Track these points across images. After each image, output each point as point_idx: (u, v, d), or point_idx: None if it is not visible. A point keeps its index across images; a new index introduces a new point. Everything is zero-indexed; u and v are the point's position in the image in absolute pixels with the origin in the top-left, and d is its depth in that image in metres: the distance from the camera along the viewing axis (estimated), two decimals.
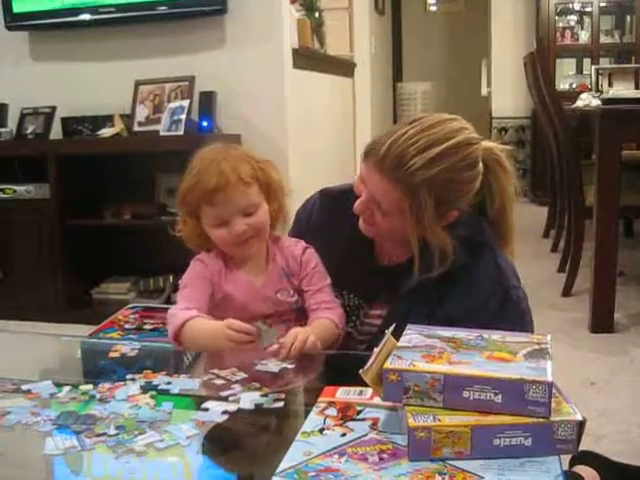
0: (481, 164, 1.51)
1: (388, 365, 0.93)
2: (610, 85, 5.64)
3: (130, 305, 2.42)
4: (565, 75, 6.93)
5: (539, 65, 4.15)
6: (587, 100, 4.40)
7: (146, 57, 3.68)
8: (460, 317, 1.41)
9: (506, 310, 1.50)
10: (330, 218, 1.72)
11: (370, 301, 1.66)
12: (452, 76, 9.06)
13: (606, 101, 3.86)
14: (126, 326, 2.19)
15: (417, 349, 0.99)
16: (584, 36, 6.70)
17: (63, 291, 3.55)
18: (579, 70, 6.98)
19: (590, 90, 5.55)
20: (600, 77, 5.87)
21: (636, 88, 5.66)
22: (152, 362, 1.49)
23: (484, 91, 7.23)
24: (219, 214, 1.57)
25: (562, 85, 6.73)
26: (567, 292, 3.69)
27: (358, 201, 1.54)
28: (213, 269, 1.65)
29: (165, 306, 2.87)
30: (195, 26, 3.60)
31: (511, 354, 0.97)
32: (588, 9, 6.62)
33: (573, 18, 6.83)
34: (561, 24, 6.72)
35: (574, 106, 4.27)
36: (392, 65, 8.62)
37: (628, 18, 6.78)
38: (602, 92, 5.09)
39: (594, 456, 1.86)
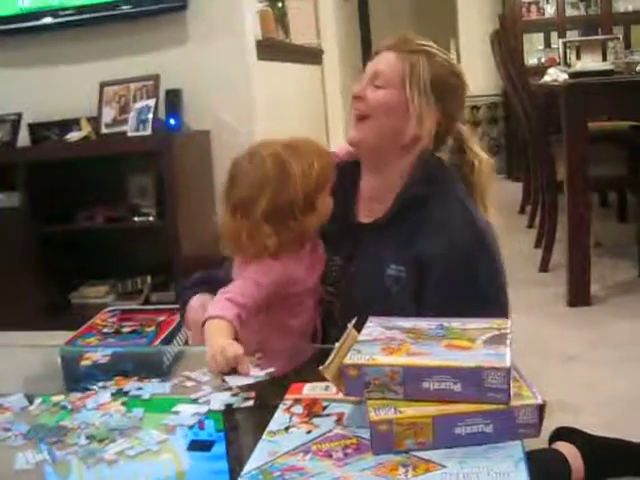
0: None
1: (347, 360, 0.94)
2: (578, 58, 5.65)
3: (108, 309, 2.41)
4: (534, 50, 6.93)
5: (504, 43, 4.16)
6: (555, 75, 4.40)
7: (110, 58, 3.67)
8: (429, 258, 1.48)
9: (483, 254, 1.52)
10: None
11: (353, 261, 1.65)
12: None
13: (573, 75, 3.87)
14: (104, 330, 2.17)
15: (377, 342, 0.99)
16: (550, 10, 6.70)
17: (41, 298, 3.54)
18: (547, 44, 6.98)
19: (559, 64, 5.57)
20: (568, 50, 5.88)
21: (604, 59, 5.67)
22: (132, 365, 1.49)
23: None
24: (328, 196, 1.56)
25: (531, 60, 6.74)
26: (544, 267, 3.72)
27: (358, 85, 1.62)
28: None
29: (144, 307, 2.88)
30: (157, 24, 3.58)
31: (470, 341, 0.98)
32: None
33: None
34: None
35: (542, 81, 4.28)
36: (361, 49, 8.60)
37: None
38: (570, 65, 5.10)
39: (573, 432, 1.88)
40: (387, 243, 1.56)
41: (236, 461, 1.02)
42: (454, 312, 1.22)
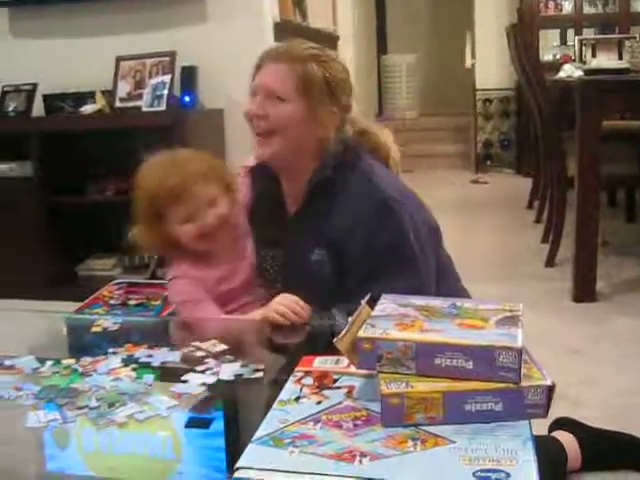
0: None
1: (361, 334, 0.95)
2: (594, 56, 5.64)
3: (115, 281, 2.42)
4: (549, 46, 6.92)
5: (520, 37, 4.16)
6: (570, 71, 4.40)
7: (126, 33, 3.66)
8: (340, 237, 1.55)
9: (385, 222, 1.55)
10: (252, 189, 1.80)
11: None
12: (436, 48, 9.05)
13: (588, 72, 3.86)
14: (111, 302, 2.19)
15: (390, 318, 1.00)
16: (568, 6, 6.69)
17: (48, 269, 3.55)
18: (563, 41, 6.97)
19: (574, 61, 5.56)
20: (584, 48, 5.87)
21: (620, 58, 5.66)
22: (138, 335, 1.51)
23: (468, 63, 7.22)
24: (186, 209, 1.63)
25: (546, 56, 6.72)
26: (550, 262, 3.72)
27: (254, 104, 1.64)
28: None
29: (150, 281, 2.89)
30: (176, 1, 3.58)
31: (483, 321, 0.99)
32: None
33: None
34: None
35: (557, 77, 4.28)
36: (376, 37, 8.59)
37: None
38: (585, 63, 5.10)
39: (572, 422, 1.91)
40: (307, 231, 1.62)
41: (236, 436, 1.04)
42: (372, 280, 1.44)
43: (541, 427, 1.89)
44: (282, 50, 1.66)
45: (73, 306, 2.14)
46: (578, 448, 1.82)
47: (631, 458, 1.85)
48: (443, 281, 1.69)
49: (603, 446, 1.85)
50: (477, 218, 5.07)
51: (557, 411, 2.01)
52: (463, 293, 1.80)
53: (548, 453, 1.78)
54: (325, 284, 1.58)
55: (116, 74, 3.60)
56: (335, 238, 1.56)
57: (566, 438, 1.84)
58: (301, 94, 1.59)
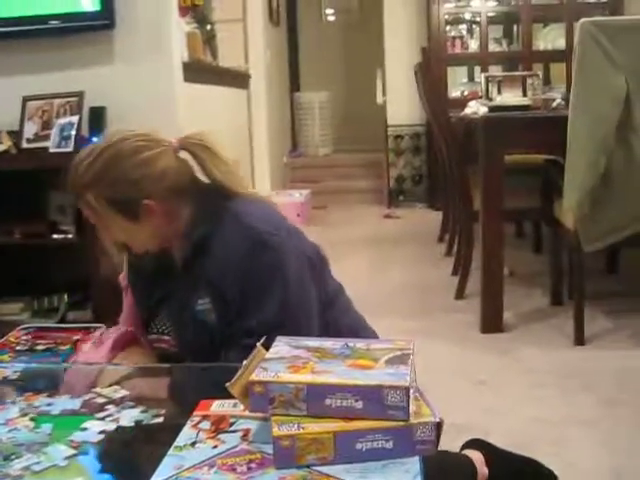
0: (145, 154, 1.59)
1: (253, 377, 0.97)
2: (499, 92, 5.82)
3: (23, 326, 2.36)
4: (457, 82, 7.12)
5: (427, 74, 4.27)
6: (475, 107, 4.52)
7: (34, 72, 3.62)
8: (219, 282, 1.58)
9: (259, 256, 1.57)
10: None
11: None
12: (349, 85, 9.20)
13: (492, 108, 3.99)
14: (17, 348, 2.14)
15: (283, 360, 1.02)
16: (474, 45, 6.89)
17: None
18: (471, 78, 7.18)
19: (481, 97, 5.72)
20: (490, 84, 6.05)
21: (524, 95, 5.85)
22: (41, 382, 1.49)
23: (380, 99, 7.36)
24: None
25: (454, 92, 6.91)
26: (460, 294, 3.81)
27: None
28: None
29: (60, 325, 2.83)
30: (83, 41, 3.56)
31: (373, 361, 1.02)
32: (477, 19, 6.81)
33: (463, 27, 7.02)
34: (453, 33, 6.89)
35: (462, 114, 4.40)
36: (289, 75, 8.69)
37: (515, 27, 7.03)
38: (491, 99, 5.25)
39: (481, 443, 1.97)
40: (190, 284, 1.64)
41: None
42: (247, 313, 1.52)
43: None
44: (70, 183, 1.65)
45: None
46: (485, 466, 1.87)
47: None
48: (331, 309, 1.72)
49: (509, 466, 1.93)
50: (389, 252, 5.15)
51: (465, 440, 2.06)
52: (354, 321, 1.84)
53: (458, 469, 1.84)
54: (213, 331, 1.61)
55: (23, 114, 3.56)
56: (215, 284, 1.59)
57: (475, 456, 1.90)
58: (104, 225, 1.66)
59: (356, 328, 1.79)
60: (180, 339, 1.71)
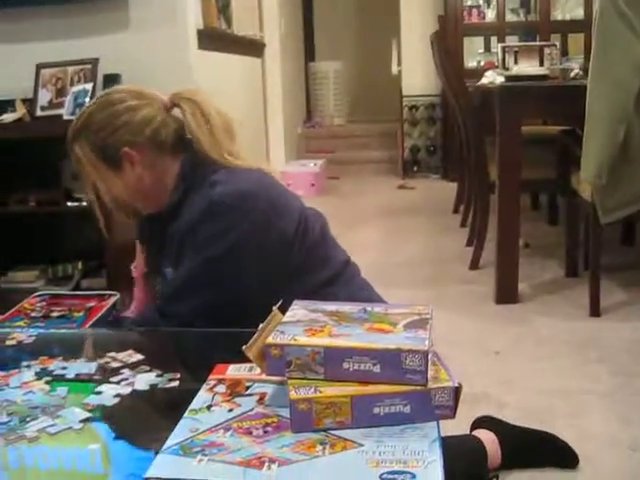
0: (129, 102, 1.62)
1: (270, 340, 0.96)
2: (516, 63, 5.76)
3: (37, 293, 2.37)
4: (473, 53, 7.05)
5: (443, 44, 4.23)
6: (492, 77, 4.48)
7: (48, 39, 3.61)
8: (179, 246, 1.59)
9: (204, 222, 1.56)
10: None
11: None
12: (364, 55, 9.13)
13: (509, 78, 3.95)
14: (32, 314, 2.14)
15: (300, 324, 1.01)
16: (491, 14, 6.82)
17: None
18: (487, 48, 7.10)
19: (497, 68, 5.67)
20: (507, 55, 5.99)
21: (541, 65, 5.79)
22: (55, 348, 1.48)
23: (395, 70, 7.31)
24: None
25: (470, 63, 6.85)
26: (474, 266, 3.79)
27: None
28: None
29: (74, 293, 2.84)
30: (98, 7, 3.54)
31: (391, 325, 1.01)
32: None
33: None
34: (469, 2, 6.82)
35: (479, 83, 4.36)
36: (304, 44, 8.63)
37: None
38: (508, 69, 5.20)
39: (492, 420, 1.95)
40: (161, 247, 1.68)
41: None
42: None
43: (463, 427, 1.93)
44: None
45: None
46: (498, 445, 1.86)
47: (549, 454, 1.90)
48: (331, 286, 1.67)
49: (522, 443, 1.91)
50: (403, 223, 5.13)
51: (479, 411, 2.06)
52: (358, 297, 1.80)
53: (469, 452, 1.82)
54: None
55: (37, 82, 3.54)
56: (177, 251, 1.61)
57: (486, 436, 1.88)
58: (92, 179, 1.68)
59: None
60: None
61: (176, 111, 1.67)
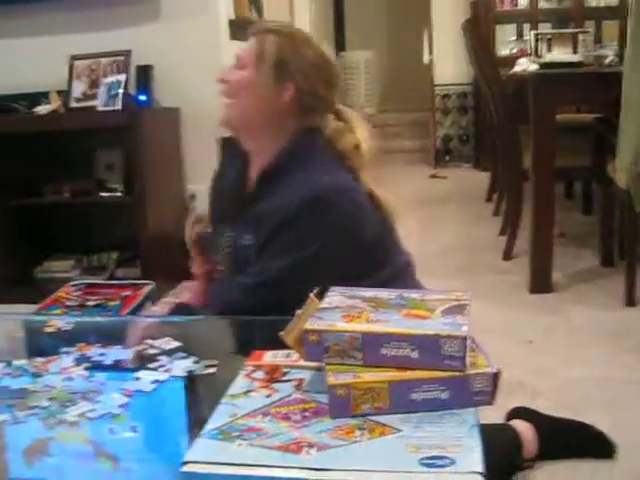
0: (325, 56, 1.70)
1: (308, 326, 0.96)
2: (549, 50, 5.70)
3: (73, 282, 2.40)
4: (506, 40, 6.97)
5: (475, 32, 4.19)
6: (525, 65, 4.44)
7: (81, 31, 3.64)
8: (265, 214, 1.58)
9: (305, 216, 1.55)
10: (225, 161, 1.87)
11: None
12: (394, 44, 9.09)
13: (542, 65, 3.91)
14: (68, 303, 2.17)
15: (338, 310, 1.01)
16: (523, 1, 6.74)
17: (6, 271, 3.52)
18: (519, 35, 7.03)
19: (530, 55, 5.61)
20: (539, 42, 5.92)
21: (574, 52, 5.73)
22: (93, 335, 1.50)
23: (426, 59, 7.26)
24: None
25: (503, 51, 6.77)
26: (508, 255, 3.76)
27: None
28: None
29: (109, 282, 2.87)
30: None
31: (429, 311, 1.00)
32: None
33: None
34: None
35: (512, 71, 4.32)
36: (334, 34, 8.61)
37: None
38: (541, 57, 5.14)
39: (527, 411, 1.94)
40: (243, 216, 1.66)
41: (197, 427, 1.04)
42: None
43: (497, 417, 1.92)
44: (256, 24, 1.76)
45: (31, 308, 2.12)
46: (534, 436, 1.85)
47: (585, 444, 1.89)
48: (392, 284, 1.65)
49: (558, 433, 1.89)
50: (436, 212, 5.11)
51: (513, 401, 2.05)
52: None
53: (504, 441, 1.82)
54: (248, 267, 1.62)
55: (70, 74, 3.58)
56: (264, 224, 1.59)
57: (522, 427, 1.87)
58: (254, 63, 1.64)
59: None
60: (228, 269, 1.72)
61: None
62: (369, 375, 0.92)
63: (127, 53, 3.51)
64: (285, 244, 1.56)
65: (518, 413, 1.94)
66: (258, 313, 1.40)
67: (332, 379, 0.92)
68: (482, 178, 5.69)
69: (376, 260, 1.66)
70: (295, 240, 1.55)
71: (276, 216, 1.56)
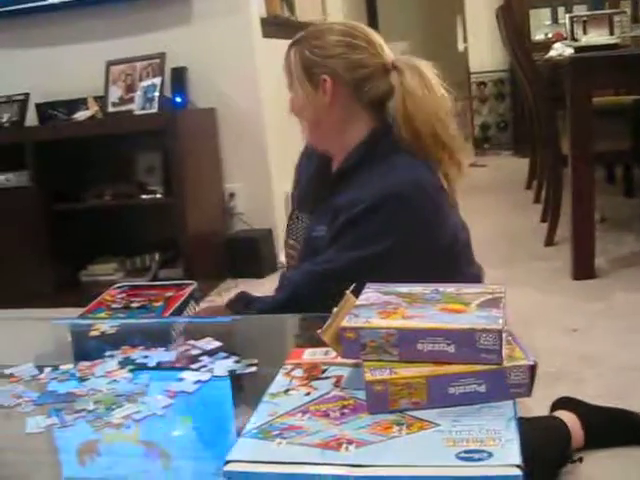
0: (353, 41, 1.66)
1: (344, 323, 0.97)
2: (585, 33, 5.62)
3: (117, 285, 2.43)
4: (541, 25, 6.89)
5: (509, 18, 4.16)
6: (560, 49, 4.39)
7: (115, 37, 3.69)
8: (341, 206, 1.58)
9: (380, 212, 1.54)
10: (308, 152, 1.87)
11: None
12: (429, 34, 9.03)
13: (578, 49, 3.86)
14: (113, 306, 2.20)
15: (374, 306, 1.02)
16: None
17: (51, 276, 3.59)
18: (554, 19, 6.94)
19: (565, 39, 5.55)
20: (575, 25, 5.85)
21: (611, 34, 5.65)
22: (137, 337, 1.53)
23: (461, 47, 7.21)
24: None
25: (538, 35, 6.71)
26: (549, 241, 3.74)
27: None
28: None
29: (152, 283, 2.90)
30: (162, 2, 3.60)
31: (464, 305, 1.01)
32: None
33: None
34: None
35: (547, 56, 4.28)
36: (367, 25, 8.57)
37: None
38: (577, 40, 5.08)
39: (572, 401, 1.92)
40: (324, 207, 1.66)
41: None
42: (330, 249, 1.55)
43: (542, 407, 1.91)
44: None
45: (77, 312, 2.16)
46: (580, 426, 1.83)
47: (633, 434, 1.87)
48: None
49: (603, 422, 1.87)
50: (476, 201, 5.07)
51: (559, 389, 2.03)
52: None
53: (552, 432, 1.80)
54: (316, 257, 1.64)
55: (107, 79, 3.63)
56: (338, 216, 1.59)
57: (568, 417, 1.85)
58: (291, 83, 1.70)
59: None
60: (300, 255, 1.74)
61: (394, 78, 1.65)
62: (406, 371, 0.93)
63: (161, 56, 3.54)
64: (359, 236, 1.56)
65: (562, 404, 1.92)
66: (322, 301, 1.40)
67: (369, 375, 0.92)
68: (522, 165, 5.64)
69: (445, 268, 1.61)
70: (370, 233, 1.55)
71: (353, 208, 1.56)
